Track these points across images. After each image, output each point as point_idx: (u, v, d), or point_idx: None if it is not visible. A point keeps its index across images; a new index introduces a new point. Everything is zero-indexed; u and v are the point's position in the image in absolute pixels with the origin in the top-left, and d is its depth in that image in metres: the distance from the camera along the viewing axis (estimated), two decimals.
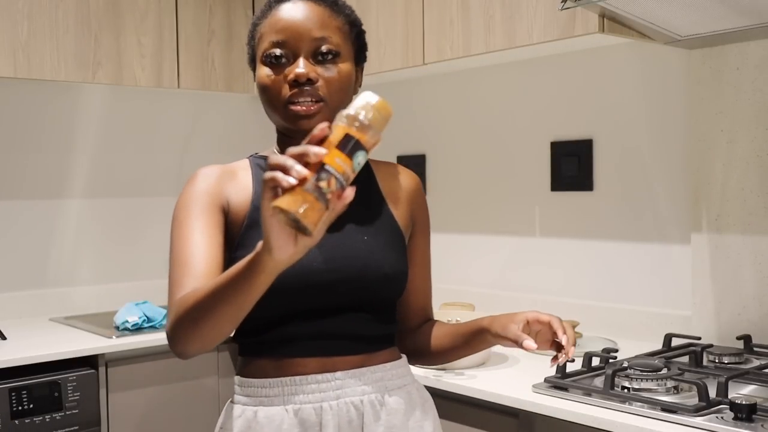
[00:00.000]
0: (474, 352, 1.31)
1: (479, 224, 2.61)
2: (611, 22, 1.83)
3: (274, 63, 1.18)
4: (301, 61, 1.17)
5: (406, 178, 1.35)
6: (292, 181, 0.81)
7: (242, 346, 1.23)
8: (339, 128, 0.86)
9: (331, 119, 1.22)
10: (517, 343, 1.16)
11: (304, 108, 1.16)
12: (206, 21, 2.74)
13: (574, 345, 1.15)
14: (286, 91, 1.17)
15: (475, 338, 1.27)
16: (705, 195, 1.99)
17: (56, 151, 2.75)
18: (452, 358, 1.34)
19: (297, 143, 1.22)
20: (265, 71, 1.19)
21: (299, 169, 0.82)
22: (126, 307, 2.42)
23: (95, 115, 2.83)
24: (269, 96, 1.19)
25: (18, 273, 2.67)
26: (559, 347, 1.17)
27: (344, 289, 1.17)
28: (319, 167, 0.83)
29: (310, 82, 1.16)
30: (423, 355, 1.36)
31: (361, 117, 0.87)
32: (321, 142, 0.86)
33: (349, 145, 0.85)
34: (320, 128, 0.85)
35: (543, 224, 2.43)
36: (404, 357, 1.29)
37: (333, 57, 1.18)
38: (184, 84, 2.68)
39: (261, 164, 1.26)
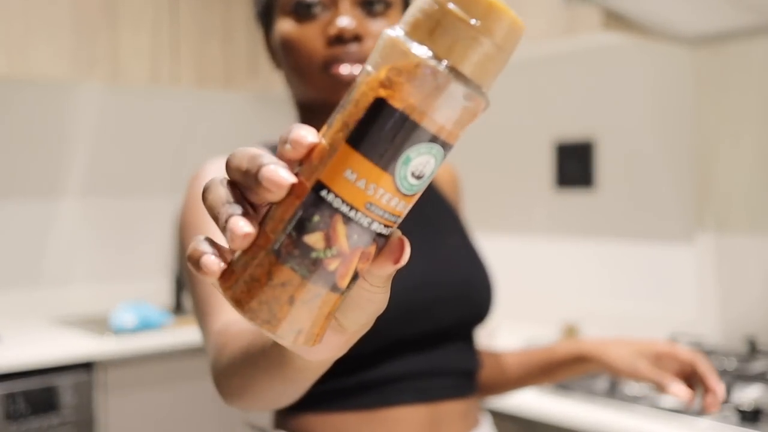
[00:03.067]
0: (557, 382, 1.04)
1: (481, 224, 2.59)
2: (615, 20, 1.81)
3: (304, 12, 0.87)
4: (348, 9, 0.87)
5: (443, 168, 1.08)
6: (238, 233, 0.38)
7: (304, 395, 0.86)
8: (359, 89, 0.38)
9: None
10: (659, 386, 0.90)
11: (347, 72, 0.86)
12: (204, 18, 2.72)
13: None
14: (323, 50, 0.87)
15: (569, 367, 0.99)
16: (710, 194, 1.97)
17: (52, 151, 2.73)
18: (519, 389, 1.06)
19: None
20: (290, 24, 0.89)
21: (237, 225, 0.38)
22: (122, 308, 2.40)
23: (92, 114, 2.81)
24: (298, 57, 0.88)
25: (13, 273, 2.65)
26: (690, 379, 0.93)
27: (447, 308, 0.89)
28: (306, 196, 0.38)
29: (355, 38, 0.86)
30: (480, 389, 1.07)
31: (415, 50, 0.37)
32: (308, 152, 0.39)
33: (381, 136, 0.37)
34: (300, 134, 0.39)
35: (546, 224, 2.40)
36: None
37: (384, 7, 0.89)
38: (182, 82, 2.66)
39: None
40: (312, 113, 0.93)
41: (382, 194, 0.38)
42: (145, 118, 2.92)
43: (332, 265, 0.38)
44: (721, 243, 1.96)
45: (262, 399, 0.64)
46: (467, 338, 0.94)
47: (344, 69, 0.85)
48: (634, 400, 1.49)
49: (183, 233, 0.85)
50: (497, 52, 0.38)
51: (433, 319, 0.87)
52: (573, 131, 2.31)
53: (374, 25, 0.87)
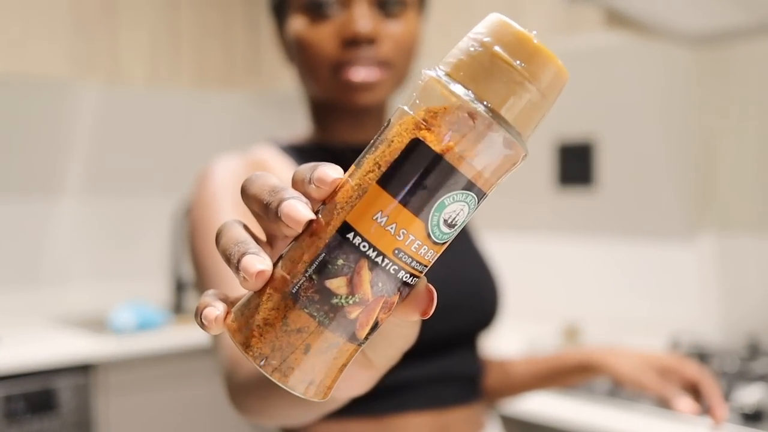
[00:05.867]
0: (559, 387, 1.03)
1: (482, 223, 2.58)
2: (616, 19, 1.80)
3: (318, 11, 0.84)
4: (364, 10, 0.84)
5: None
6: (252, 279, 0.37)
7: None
8: (393, 129, 0.37)
9: (397, 90, 0.90)
10: (665, 400, 0.89)
11: (361, 75, 0.84)
12: (204, 17, 2.71)
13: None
14: (337, 51, 0.84)
15: (575, 375, 0.97)
16: (711, 194, 1.97)
17: (51, 150, 2.72)
18: (524, 394, 1.05)
19: (345, 122, 0.91)
20: (304, 22, 0.86)
21: (250, 263, 0.37)
22: (122, 307, 2.39)
23: (91, 113, 2.81)
24: (310, 57, 0.86)
25: (12, 273, 2.64)
26: (695, 392, 0.92)
27: (456, 315, 0.88)
28: (331, 237, 0.36)
29: (370, 41, 0.84)
30: (485, 395, 1.06)
31: (455, 89, 0.36)
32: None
33: (416, 180, 0.36)
34: (325, 172, 0.37)
35: (547, 224, 2.40)
36: None
37: (400, 8, 0.86)
38: (182, 81, 2.66)
39: (304, 152, 0.89)
40: (323, 112, 0.91)
41: (412, 240, 0.36)
42: (145, 118, 2.91)
43: (353, 313, 0.36)
44: (722, 243, 1.95)
45: (280, 420, 0.63)
46: (473, 344, 0.93)
47: (355, 74, 0.84)
48: (637, 400, 1.48)
49: (194, 234, 0.82)
50: (540, 99, 0.37)
51: (444, 325, 0.86)
52: (574, 131, 2.31)
53: (390, 26, 0.85)
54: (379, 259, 0.36)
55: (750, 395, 1.51)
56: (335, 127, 0.90)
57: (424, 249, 0.36)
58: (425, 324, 0.77)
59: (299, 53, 0.87)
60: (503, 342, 2.02)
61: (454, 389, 0.89)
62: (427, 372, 0.86)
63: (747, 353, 1.79)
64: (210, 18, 2.73)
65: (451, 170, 0.35)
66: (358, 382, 0.48)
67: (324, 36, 0.84)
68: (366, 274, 0.36)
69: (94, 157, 2.81)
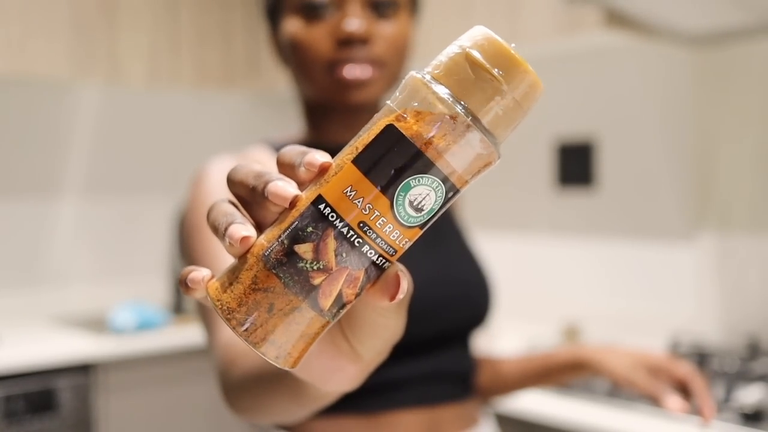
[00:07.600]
0: (554, 385, 1.03)
1: (481, 223, 2.59)
2: (615, 19, 1.80)
3: (312, 13, 0.86)
4: (357, 11, 0.85)
5: None
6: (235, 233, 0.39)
7: None
8: (378, 123, 0.39)
9: (389, 89, 0.92)
10: (654, 398, 0.89)
11: (355, 72, 0.85)
12: (204, 17, 2.71)
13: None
14: (331, 51, 0.86)
15: (567, 372, 0.97)
16: (711, 194, 1.97)
17: (51, 150, 2.72)
18: (517, 392, 1.05)
19: (338, 123, 0.92)
20: (298, 23, 0.87)
21: (236, 230, 0.39)
22: (121, 308, 2.39)
23: (90, 113, 2.80)
24: (305, 57, 0.87)
25: (12, 273, 2.64)
26: (686, 391, 0.92)
27: (448, 313, 0.89)
28: (306, 208, 0.39)
29: (363, 41, 0.85)
30: (478, 393, 1.06)
31: (436, 89, 0.38)
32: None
33: (384, 159, 0.38)
34: (314, 158, 0.40)
35: (546, 224, 2.40)
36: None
37: (393, 9, 0.88)
38: (181, 82, 2.66)
39: None
40: (317, 112, 0.92)
41: (377, 216, 0.38)
42: (144, 118, 2.91)
43: (317, 279, 0.38)
44: (721, 242, 1.95)
45: (274, 418, 0.63)
46: (465, 342, 0.94)
47: (348, 71, 0.85)
48: (636, 400, 1.48)
49: (187, 236, 0.83)
50: (515, 107, 0.39)
51: (434, 324, 0.87)
52: (573, 131, 2.31)
53: (383, 26, 0.87)
54: (344, 230, 0.38)
55: (750, 395, 1.51)
56: (329, 127, 0.91)
57: (389, 228, 0.39)
58: (416, 322, 0.76)
59: (294, 54, 0.88)
60: (503, 341, 2.02)
61: (445, 387, 0.89)
62: (418, 370, 0.87)
63: (747, 353, 1.79)
64: (210, 19, 2.73)
65: (419, 154, 0.38)
66: (347, 375, 0.48)
67: (318, 36, 0.86)
68: (331, 243, 0.38)
69: (94, 157, 2.81)
